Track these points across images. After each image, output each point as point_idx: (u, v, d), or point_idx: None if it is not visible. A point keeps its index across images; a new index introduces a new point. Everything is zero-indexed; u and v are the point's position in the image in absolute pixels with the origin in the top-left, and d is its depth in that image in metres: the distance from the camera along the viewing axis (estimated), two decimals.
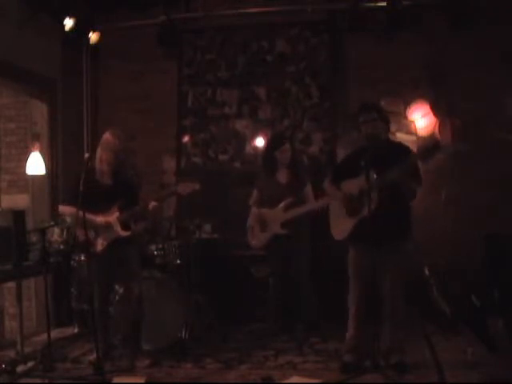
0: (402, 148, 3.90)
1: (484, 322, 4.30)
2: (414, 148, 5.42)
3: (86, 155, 3.97)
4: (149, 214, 4.15)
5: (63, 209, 4.18)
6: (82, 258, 4.70)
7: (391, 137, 3.91)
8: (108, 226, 4.01)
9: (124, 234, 4.03)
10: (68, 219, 4.69)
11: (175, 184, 4.37)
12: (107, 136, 4.05)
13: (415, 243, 3.95)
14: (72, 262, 4.88)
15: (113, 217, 4.01)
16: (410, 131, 5.59)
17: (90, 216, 3.79)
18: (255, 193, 4.92)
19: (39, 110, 5.58)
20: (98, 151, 4.06)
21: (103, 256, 4.01)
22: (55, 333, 4.81)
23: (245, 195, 5.01)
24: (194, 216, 5.08)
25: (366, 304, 3.75)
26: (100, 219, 3.98)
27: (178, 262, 4.72)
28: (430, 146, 3.47)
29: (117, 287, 4.31)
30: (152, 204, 4.03)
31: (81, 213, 3.61)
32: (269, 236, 4.70)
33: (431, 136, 5.53)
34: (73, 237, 4.18)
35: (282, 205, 4.62)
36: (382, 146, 3.75)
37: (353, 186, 3.73)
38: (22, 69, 5.11)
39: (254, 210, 4.87)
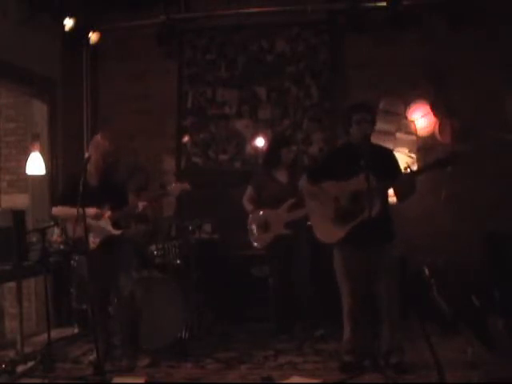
0: (386, 151, 3.94)
1: (484, 322, 4.30)
2: (413, 148, 5.52)
3: (86, 155, 3.98)
4: (141, 214, 4.15)
5: (55, 210, 4.19)
6: (77, 258, 4.70)
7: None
8: (99, 225, 4.01)
9: (115, 232, 4.03)
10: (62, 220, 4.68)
11: (166, 185, 4.37)
12: (97, 138, 4.10)
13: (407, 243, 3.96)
14: (72, 262, 4.88)
15: (104, 216, 4.02)
16: (409, 131, 5.59)
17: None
18: (250, 190, 4.90)
19: (39, 110, 5.57)
20: (88, 152, 4.08)
21: (96, 255, 3.99)
22: (55, 333, 4.79)
23: None
24: (193, 216, 5.08)
25: (360, 306, 3.75)
26: (92, 211, 3.93)
27: (178, 262, 4.72)
28: (448, 157, 3.45)
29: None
30: (142, 204, 4.03)
31: (74, 210, 3.66)
32: (272, 236, 4.70)
33: (431, 136, 5.54)
34: (69, 236, 4.17)
35: (285, 205, 4.62)
36: (371, 147, 3.73)
37: (344, 186, 3.68)
38: (21, 69, 5.10)
39: (251, 209, 4.85)
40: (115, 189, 4.12)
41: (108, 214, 4.02)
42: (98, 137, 4.10)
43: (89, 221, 3.87)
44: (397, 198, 3.76)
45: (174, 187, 4.07)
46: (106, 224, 4.02)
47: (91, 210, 3.94)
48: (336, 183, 3.71)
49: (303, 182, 3.92)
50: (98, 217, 4.00)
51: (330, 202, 3.71)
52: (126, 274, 4.15)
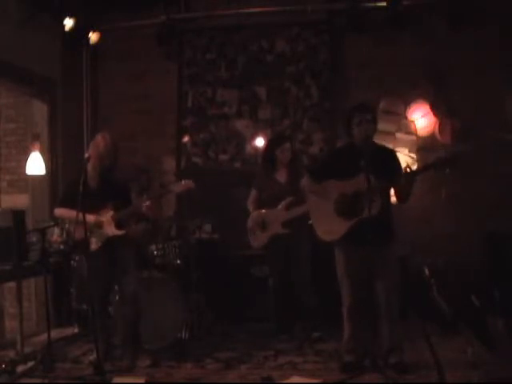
0: (389, 152, 3.93)
1: (484, 322, 4.30)
2: (413, 148, 5.52)
3: (86, 155, 3.97)
4: (144, 213, 4.15)
5: (58, 211, 4.20)
6: (77, 258, 4.70)
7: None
8: (101, 226, 4.01)
9: (118, 233, 4.02)
10: (66, 221, 4.69)
11: (170, 183, 4.36)
12: (96, 139, 4.07)
13: (411, 243, 3.96)
14: (72, 262, 4.89)
15: (107, 216, 4.02)
16: (409, 131, 5.59)
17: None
18: (253, 193, 4.91)
19: (39, 110, 5.58)
20: (88, 152, 4.06)
21: (98, 255, 4.00)
22: (55, 333, 4.80)
23: (245, 195, 5.00)
24: (194, 216, 5.08)
25: (361, 305, 3.75)
26: (92, 218, 3.95)
27: (178, 262, 4.72)
28: (448, 158, 3.46)
29: (116, 287, 4.32)
30: (146, 204, 4.02)
31: (75, 212, 3.65)
32: (269, 236, 4.70)
33: (431, 136, 5.54)
34: (72, 237, 4.18)
35: (282, 204, 4.62)
36: (373, 148, 3.74)
37: (345, 186, 3.68)
38: (21, 69, 5.11)
39: (253, 210, 4.85)
40: (116, 189, 4.10)
41: (111, 214, 4.02)
42: (97, 138, 4.07)
43: (91, 222, 3.89)
44: (397, 198, 3.76)
45: (178, 184, 4.06)
46: (108, 224, 4.01)
47: (91, 217, 3.93)
48: (337, 182, 3.72)
49: (305, 181, 3.95)
50: (98, 224, 4.00)
51: (331, 200, 3.73)
52: (130, 273, 4.15)
